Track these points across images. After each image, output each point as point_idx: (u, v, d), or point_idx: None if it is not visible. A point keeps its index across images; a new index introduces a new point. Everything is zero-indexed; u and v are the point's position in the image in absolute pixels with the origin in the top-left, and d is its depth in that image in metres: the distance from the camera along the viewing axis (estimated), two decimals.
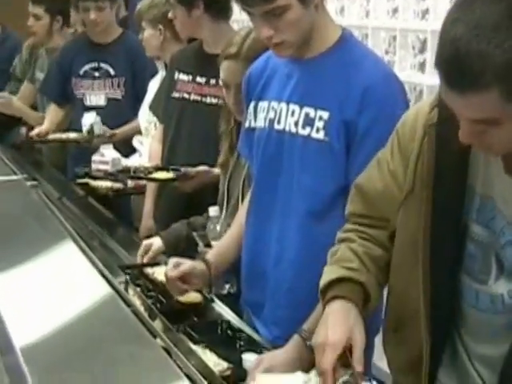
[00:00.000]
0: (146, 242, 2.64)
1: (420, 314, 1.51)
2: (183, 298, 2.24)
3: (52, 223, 1.51)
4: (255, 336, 2.02)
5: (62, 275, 1.36)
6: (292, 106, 1.84)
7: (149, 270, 2.48)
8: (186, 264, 2.08)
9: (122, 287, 2.10)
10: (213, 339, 1.97)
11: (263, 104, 1.93)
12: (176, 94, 3.12)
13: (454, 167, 1.44)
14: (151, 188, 3.32)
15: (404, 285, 1.56)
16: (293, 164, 1.85)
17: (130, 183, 3.48)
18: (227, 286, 2.46)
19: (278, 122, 1.87)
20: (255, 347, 1.92)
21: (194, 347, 1.88)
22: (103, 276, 1.75)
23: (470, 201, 1.45)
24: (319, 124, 1.79)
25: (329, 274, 1.58)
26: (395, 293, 1.61)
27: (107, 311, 1.64)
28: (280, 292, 1.96)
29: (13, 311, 1.22)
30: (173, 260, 2.12)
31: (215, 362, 1.83)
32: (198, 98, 3.04)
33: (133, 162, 3.50)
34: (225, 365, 1.83)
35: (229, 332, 2.05)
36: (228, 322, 2.10)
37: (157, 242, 2.63)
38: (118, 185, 3.47)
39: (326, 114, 1.79)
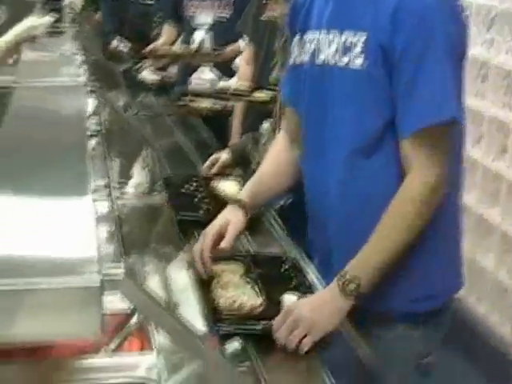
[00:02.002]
0: (214, 156, 2.83)
1: None
2: None
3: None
4: (313, 279, 1.97)
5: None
6: (332, 33, 1.82)
7: (214, 182, 2.68)
8: (214, 226, 2.00)
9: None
10: (267, 273, 1.96)
11: (307, 36, 1.90)
12: (266, 17, 3.25)
13: None
14: (239, 108, 3.49)
15: None
16: (337, 97, 1.82)
17: (230, 104, 3.66)
18: (281, 202, 2.61)
19: (320, 53, 1.84)
20: (305, 290, 1.87)
21: (233, 279, 1.90)
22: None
23: None
24: (358, 49, 1.75)
25: None
26: None
27: None
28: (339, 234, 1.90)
29: None
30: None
31: (249, 296, 1.81)
32: None
33: (230, 82, 3.68)
34: (258, 301, 1.80)
35: (289, 270, 2.01)
36: (292, 260, 2.08)
37: (224, 155, 2.83)
38: (217, 105, 3.67)
39: (363, 38, 1.75)
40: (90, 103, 2.20)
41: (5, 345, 1.12)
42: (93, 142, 1.83)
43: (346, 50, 1.77)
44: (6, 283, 0.94)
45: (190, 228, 2.17)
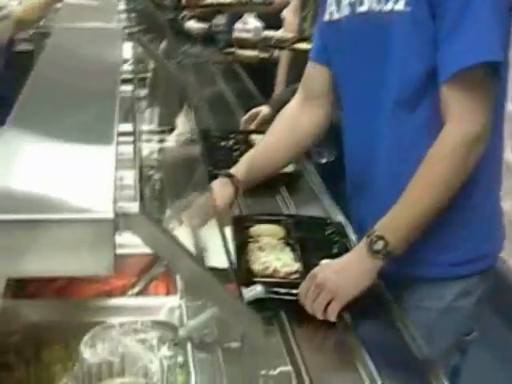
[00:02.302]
0: (254, 110, 2.82)
1: None
2: None
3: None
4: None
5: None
6: None
7: (252, 137, 2.68)
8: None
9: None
10: (309, 237, 1.90)
11: None
12: None
13: None
14: (285, 58, 3.48)
15: None
16: (381, 44, 1.72)
17: (277, 53, 3.64)
18: (324, 159, 2.58)
19: (362, 3, 1.74)
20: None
21: (272, 241, 1.85)
22: None
23: None
24: None
25: None
26: None
27: None
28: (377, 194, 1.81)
29: None
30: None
31: (285, 262, 1.75)
32: None
33: (275, 32, 3.66)
34: (294, 267, 1.73)
35: (333, 235, 1.94)
36: (337, 224, 2.00)
37: (264, 109, 2.81)
38: (263, 54, 3.66)
39: None
40: (128, 49, 2.20)
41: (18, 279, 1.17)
42: (127, 88, 1.84)
43: None
44: (13, 218, 0.95)
45: None
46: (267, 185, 2.11)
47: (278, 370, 1.41)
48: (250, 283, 1.60)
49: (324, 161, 2.62)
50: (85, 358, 0.96)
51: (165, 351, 0.97)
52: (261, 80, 3.72)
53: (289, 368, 1.43)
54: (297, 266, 1.73)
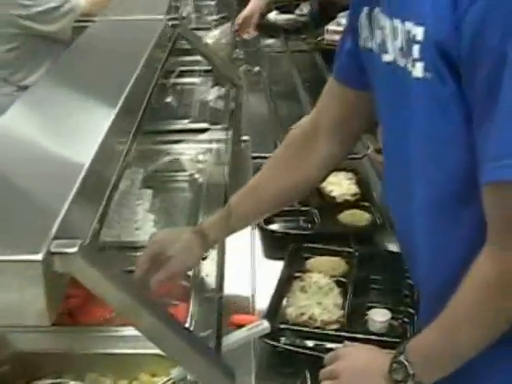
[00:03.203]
0: None
1: None
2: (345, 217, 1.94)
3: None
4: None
5: None
6: (395, 23, 1.25)
7: None
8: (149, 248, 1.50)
9: None
10: (375, 275, 1.66)
11: (376, 17, 1.33)
12: None
13: None
14: None
15: None
16: (405, 112, 1.26)
17: None
18: None
19: (386, 48, 1.28)
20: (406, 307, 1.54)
21: (320, 280, 1.62)
22: None
23: None
24: (415, 50, 1.18)
25: None
26: None
27: None
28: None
29: None
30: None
31: (326, 309, 1.53)
32: None
33: None
34: (335, 316, 1.51)
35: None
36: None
37: None
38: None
39: (420, 34, 1.17)
40: (169, 42, 2.08)
41: None
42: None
43: (409, 48, 1.21)
44: None
45: None
46: (332, 241, 1.78)
47: None
48: (277, 330, 1.41)
49: None
50: None
51: None
52: None
53: None
54: (339, 314, 1.51)
